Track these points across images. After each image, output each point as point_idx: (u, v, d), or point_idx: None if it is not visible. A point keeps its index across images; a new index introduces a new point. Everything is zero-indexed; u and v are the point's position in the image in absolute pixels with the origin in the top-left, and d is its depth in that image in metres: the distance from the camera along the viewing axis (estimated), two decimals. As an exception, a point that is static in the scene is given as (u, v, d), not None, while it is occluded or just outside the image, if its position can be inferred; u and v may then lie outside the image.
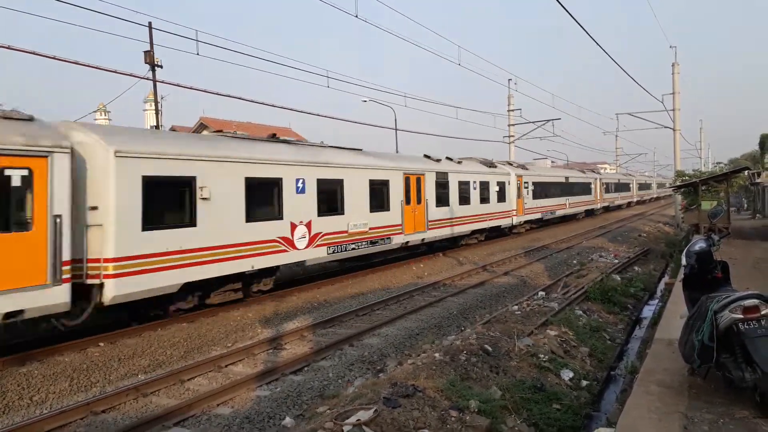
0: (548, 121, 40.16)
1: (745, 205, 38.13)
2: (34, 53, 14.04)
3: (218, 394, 7.89)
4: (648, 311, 13.95)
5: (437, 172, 21.63)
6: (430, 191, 20.97)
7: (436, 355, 8.38)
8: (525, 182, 30.04)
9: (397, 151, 34.74)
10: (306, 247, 14.63)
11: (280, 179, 13.91)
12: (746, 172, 30.05)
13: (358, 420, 5.97)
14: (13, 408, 7.69)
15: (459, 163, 24.29)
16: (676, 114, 33.58)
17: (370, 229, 17.33)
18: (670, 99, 33.82)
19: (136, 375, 8.94)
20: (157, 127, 24.93)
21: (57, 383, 8.48)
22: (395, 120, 37.27)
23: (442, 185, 21.96)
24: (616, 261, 19.95)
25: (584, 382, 8.46)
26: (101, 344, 10.30)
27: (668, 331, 7.64)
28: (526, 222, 30.71)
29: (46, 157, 9.17)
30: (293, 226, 14.20)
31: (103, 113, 57.09)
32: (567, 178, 38.50)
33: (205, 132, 42.63)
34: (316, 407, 7.15)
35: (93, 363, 9.34)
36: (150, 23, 21.63)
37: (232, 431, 6.86)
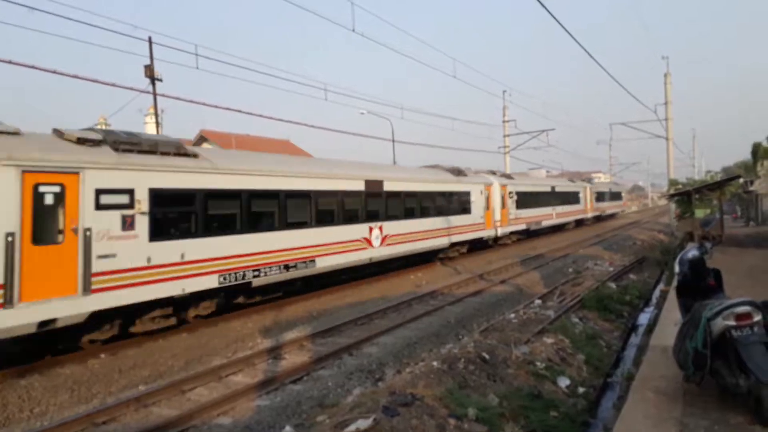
0: (543, 131, 40.53)
1: (739, 213, 38.45)
2: (35, 67, 14.14)
3: (218, 404, 7.94)
4: (644, 318, 14.04)
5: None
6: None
7: (435, 363, 8.45)
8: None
9: (394, 163, 34.92)
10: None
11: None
12: (740, 180, 30.32)
13: (357, 429, 6.03)
14: (14, 420, 7.72)
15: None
16: (669, 124, 33.87)
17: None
18: (662, 109, 34.14)
19: (136, 386, 8.97)
20: None
21: (58, 395, 8.52)
22: (392, 131, 37.50)
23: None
24: (612, 269, 20.08)
25: (581, 390, 8.53)
26: (102, 356, 10.33)
27: (663, 338, 7.74)
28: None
29: None
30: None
31: (104, 126, 57.18)
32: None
33: (205, 145, 42.76)
34: (316, 416, 7.20)
35: (94, 374, 9.38)
36: (150, 38, 21.73)
37: (233, 441, 6.91)
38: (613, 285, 16.34)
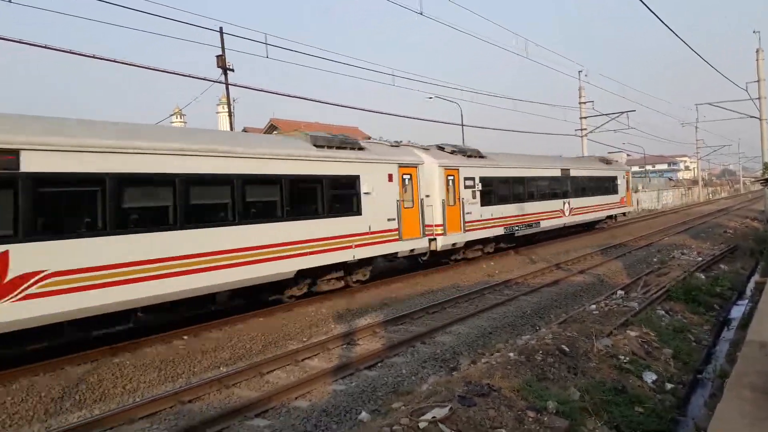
0: (622, 113, 38.64)
1: None
2: (114, 60, 14.96)
3: (296, 387, 8.11)
4: (737, 312, 13.17)
5: None
6: None
7: (511, 354, 8.26)
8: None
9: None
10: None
11: None
12: None
13: (434, 417, 5.97)
14: (109, 396, 8.22)
15: None
16: (762, 102, 31.43)
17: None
18: (754, 87, 31.72)
19: (218, 367, 9.34)
20: (231, 128, 25.86)
21: (147, 373, 9.00)
22: (461, 116, 36.97)
23: None
24: (700, 259, 18.93)
25: (669, 386, 8.10)
26: (185, 337, 10.82)
27: (761, 333, 7.16)
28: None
29: None
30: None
31: (179, 116, 59.89)
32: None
33: (275, 133, 43.82)
34: (391, 403, 7.19)
35: (178, 355, 9.84)
36: (221, 28, 22.42)
37: (311, 424, 7.03)
38: (702, 275, 15.41)
